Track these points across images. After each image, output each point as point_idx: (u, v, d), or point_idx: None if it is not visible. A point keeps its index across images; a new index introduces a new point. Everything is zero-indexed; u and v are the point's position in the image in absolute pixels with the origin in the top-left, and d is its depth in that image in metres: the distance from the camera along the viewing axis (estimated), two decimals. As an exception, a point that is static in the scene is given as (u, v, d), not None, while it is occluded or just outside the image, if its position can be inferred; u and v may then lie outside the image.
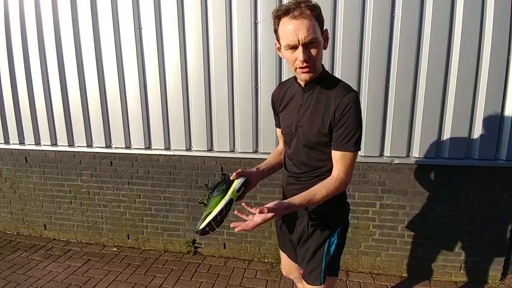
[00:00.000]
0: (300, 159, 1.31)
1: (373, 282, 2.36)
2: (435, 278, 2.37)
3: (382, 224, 2.39)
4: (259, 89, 2.37)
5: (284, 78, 2.31)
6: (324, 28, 1.17)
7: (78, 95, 2.69)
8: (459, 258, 2.33)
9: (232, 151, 2.51)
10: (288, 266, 1.62)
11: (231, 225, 1.10)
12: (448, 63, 2.11)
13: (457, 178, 2.23)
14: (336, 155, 1.20)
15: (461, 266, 2.34)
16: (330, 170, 1.23)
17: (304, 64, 1.13)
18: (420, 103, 2.19)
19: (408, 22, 2.09)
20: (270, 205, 1.07)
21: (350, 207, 1.47)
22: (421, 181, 2.28)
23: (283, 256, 1.62)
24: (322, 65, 1.25)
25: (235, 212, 1.16)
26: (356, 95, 1.17)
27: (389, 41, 2.14)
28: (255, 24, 2.29)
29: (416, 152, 2.26)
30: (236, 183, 1.27)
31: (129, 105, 2.62)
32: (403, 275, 2.42)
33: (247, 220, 1.10)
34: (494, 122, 2.14)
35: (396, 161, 2.28)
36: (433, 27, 2.07)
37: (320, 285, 1.30)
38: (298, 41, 1.10)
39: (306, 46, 1.11)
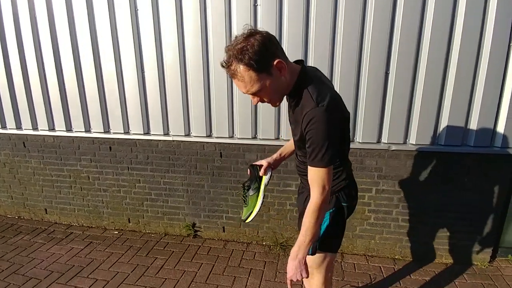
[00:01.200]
0: (296, 150, 1.46)
1: (367, 263, 2.46)
2: (426, 260, 2.47)
3: (377, 209, 2.45)
4: (258, 75, 2.35)
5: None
6: (274, 60, 1.11)
7: (74, 79, 2.65)
8: (451, 241, 2.42)
9: (231, 137, 2.52)
10: None
11: None
12: (448, 51, 2.10)
13: (453, 164, 2.27)
14: (309, 172, 1.22)
15: (452, 249, 2.43)
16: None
17: (262, 103, 1.23)
18: (419, 90, 2.20)
19: (410, 8, 2.06)
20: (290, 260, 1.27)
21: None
22: (417, 168, 2.33)
23: None
24: (302, 65, 1.25)
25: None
26: (320, 110, 1.12)
27: (391, 26, 2.11)
28: (255, 6, 2.24)
29: (413, 139, 2.29)
30: (265, 179, 1.50)
31: (127, 90, 2.60)
32: (396, 257, 2.51)
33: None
34: (491, 110, 2.16)
35: (393, 147, 2.31)
36: (435, 15, 2.04)
37: (309, 255, 1.35)
38: (243, 92, 1.18)
39: (253, 94, 1.18)
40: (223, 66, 1.15)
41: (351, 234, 2.53)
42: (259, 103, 1.24)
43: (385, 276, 2.31)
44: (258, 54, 1.08)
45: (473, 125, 2.21)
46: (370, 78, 2.21)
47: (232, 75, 1.14)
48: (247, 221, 1.47)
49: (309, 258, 1.39)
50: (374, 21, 2.11)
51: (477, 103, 2.17)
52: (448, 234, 2.41)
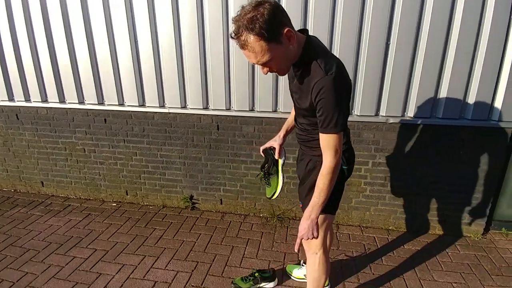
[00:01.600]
0: (299, 119, 1.47)
1: (361, 234, 2.52)
2: (419, 231, 2.53)
3: (373, 181, 2.48)
4: (256, 45, 2.29)
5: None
6: (284, 29, 1.11)
7: (66, 49, 2.56)
8: (444, 213, 2.47)
9: (228, 109, 2.49)
10: None
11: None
12: (450, 24, 2.05)
13: (449, 137, 2.27)
14: (322, 138, 1.27)
15: (445, 220, 2.49)
16: (313, 129, 1.38)
17: (271, 73, 1.23)
18: (420, 62, 2.16)
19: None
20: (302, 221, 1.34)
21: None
22: (414, 140, 2.33)
23: None
24: (307, 36, 1.25)
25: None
26: (329, 79, 1.16)
27: (393, -6, 2.04)
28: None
29: (412, 112, 2.27)
30: (281, 161, 1.63)
31: (120, 61, 2.52)
32: (390, 228, 2.57)
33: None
34: (490, 84, 2.14)
35: (391, 120, 2.30)
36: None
37: None
38: (253, 63, 1.18)
39: (263, 64, 1.18)
40: (232, 37, 1.14)
41: (346, 206, 2.57)
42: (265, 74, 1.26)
43: (378, 246, 2.37)
44: (268, 23, 1.07)
45: (472, 98, 2.20)
46: (370, 49, 2.16)
47: (242, 46, 1.13)
48: (272, 198, 1.65)
49: None
50: (377, -12, 2.04)
51: (476, 76, 2.14)
52: (442, 206, 2.45)
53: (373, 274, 2.09)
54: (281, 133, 1.67)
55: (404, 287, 1.98)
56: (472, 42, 2.07)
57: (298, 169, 1.60)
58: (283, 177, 1.62)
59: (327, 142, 1.25)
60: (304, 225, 1.31)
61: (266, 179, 1.66)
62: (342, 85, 1.20)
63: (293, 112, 1.66)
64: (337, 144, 1.24)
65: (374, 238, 2.47)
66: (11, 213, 2.85)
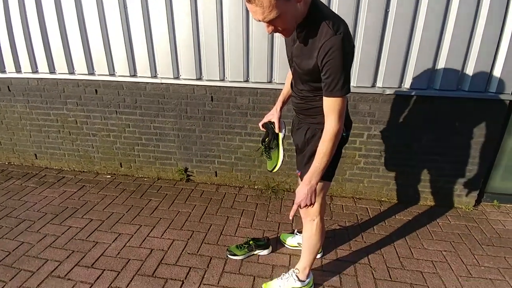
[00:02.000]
0: (298, 86, 1.42)
1: (354, 205, 2.55)
2: (411, 202, 2.57)
3: (368, 154, 2.48)
4: (250, 13, 2.19)
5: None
6: None
7: (55, 16, 2.44)
8: (437, 185, 2.50)
9: (222, 80, 2.42)
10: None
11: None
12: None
13: (446, 109, 2.25)
14: (326, 102, 1.23)
15: (437, 192, 2.52)
16: (313, 95, 1.35)
17: (274, 33, 1.21)
18: (419, 32, 2.09)
19: None
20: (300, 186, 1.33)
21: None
22: (410, 112, 2.31)
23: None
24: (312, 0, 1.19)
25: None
26: (338, 38, 1.12)
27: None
28: None
29: (409, 83, 2.23)
30: (281, 135, 1.64)
31: (109, 29, 2.42)
32: (382, 199, 2.61)
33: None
34: (489, 55, 2.09)
35: (388, 91, 2.26)
36: None
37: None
38: (259, 20, 1.11)
39: (269, 22, 1.11)
40: None
41: (340, 178, 2.58)
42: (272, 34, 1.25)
43: (371, 216, 2.41)
44: None
45: (470, 69, 2.15)
46: (369, 17, 2.08)
47: (248, 0, 1.07)
48: (273, 171, 1.67)
49: None
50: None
51: (475, 47, 2.09)
52: (435, 177, 2.47)
53: (365, 242, 2.14)
54: (278, 106, 1.64)
55: (395, 254, 2.04)
56: (472, 12, 2.00)
57: (296, 138, 1.57)
58: (283, 150, 1.64)
59: (332, 106, 1.21)
60: (304, 190, 1.30)
61: (267, 153, 1.67)
62: (349, 46, 1.17)
63: (287, 83, 1.63)
64: (342, 108, 1.21)
65: (367, 209, 2.50)
66: (5, 185, 2.84)
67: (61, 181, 2.89)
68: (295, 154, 1.68)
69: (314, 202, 1.33)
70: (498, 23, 2.01)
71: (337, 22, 1.16)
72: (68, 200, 2.60)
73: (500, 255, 2.05)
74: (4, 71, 2.78)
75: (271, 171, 1.67)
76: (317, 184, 1.30)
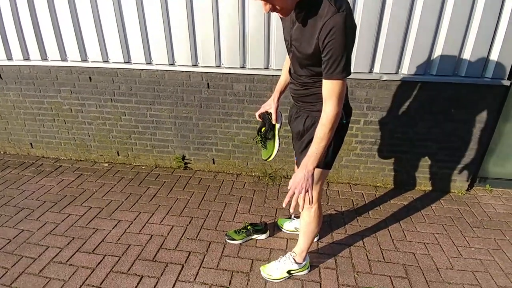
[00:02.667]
0: (297, 71, 1.37)
1: (350, 190, 2.59)
2: (406, 187, 2.62)
3: (364, 140, 2.50)
4: (246, -4, 2.16)
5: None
6: None
7: (45, 2, 2.38)
8: (431, 170, 2.54)
9: (218, 66, 2.40)
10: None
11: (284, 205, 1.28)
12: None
13: (442, 95, 2.27)
14: (326, 85, 1.19)
15: (431, 177, 2.57)
16: (313, 81, 1.32)
17: (273, 12, 1.14)
18: (416, 17, 2.08)
19: None
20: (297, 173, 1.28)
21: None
22: (407, 98, 2.32)
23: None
24: None
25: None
26: (341, 16, 1.07)
27: None
28: None
29: (406, 69, 2.23)
30: (278, 126, 1.66)
31: (102, 15, 2.37)
32: (378, 185, 2.65)
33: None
34: (486, 40, 2.09)
35: (385, 77, 2.26)
36: None
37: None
38: None
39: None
40: None
41: (337, 164, 2.61)
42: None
43: (366, 202, 2.46)
44: None
45: (467, 55, 2.16)
46: (367, 2, 2.05)
47: None
48: (268, 160, 1.72)
49: None
50: None
51: (473, 33, 2.09)
52: (429, 163, 2.51)
53: (360, 226, 2.19)
54: (275, 96, 1.62)
55: (389, 237, 2.09)
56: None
57: (294, 126, 1.53)
58: (279, 140, 1.67)
59: (331, 88, 1.17)
60: (300, 175, 1.26)
61: (262, 142, 1.69)
62: (352, 25, 1.11)
63: (285, 70, 1.60)
64: (342, 91, 1.17)
65: (362, 194, 2.55)
66: (2, 174, 2.83)
67: (58, 170, 2.89)
68: (291, 141, 1.70)
69: (311, 189, 1.30)
70: (496, 9, 2.00)
71: (337, 5, 1.10)
72: (66, 189, 2.61)
73: (490, 237, 2.12)
74: (-5, 59, 2.73)
75: (266, 160, 1.72)
76: (314, 169, 1.26)
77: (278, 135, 1.67)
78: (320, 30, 1.11)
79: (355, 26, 1.16)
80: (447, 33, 2.09)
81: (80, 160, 3.05)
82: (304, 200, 1.26)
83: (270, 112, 1.64)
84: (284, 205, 1.26)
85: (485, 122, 2.33)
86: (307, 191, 1.26)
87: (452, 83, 2.22)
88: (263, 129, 1.68)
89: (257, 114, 1.69)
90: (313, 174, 1.27)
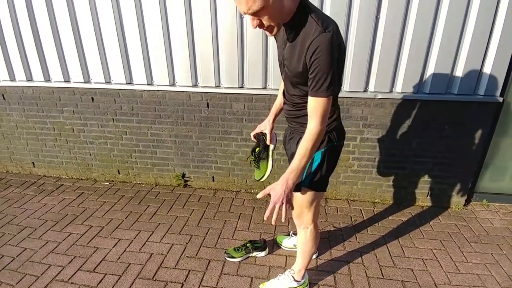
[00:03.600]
0: (289, 91, 1.42)
1: (348, 207, 2.62)
2: (403, 203, 2.65)
3: (361, 157, 2.54)
4: (244, 18, 2.25)
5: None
6: None
7: (48, 25, 2.47)
8: (428, 186, 2.57)
9: (218, 86, 2.48)
10: None
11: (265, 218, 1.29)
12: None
13: (436, 112, 2.32)
14: (311, 101, 1.22)
15: (428, 192, 2.60)
16: (305, 102, 1.32)
17: (262, 29, 1.17)
18: (408, 37, 2.16)
19: None
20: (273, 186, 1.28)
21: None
22: (401, 116, 2.38)
23: None
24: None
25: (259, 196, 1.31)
26: (329, 36, 1.11)
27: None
28: None
29: (399, 87, 2.30)
30: (272, 147, 1.70)
31: (105, 38, 2.46)
32: (376, 201, 2.68)
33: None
34: (477, 59, 2.17)
35: (379, 96, 2.33)
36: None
37: (298, 191, 1.47)
38: (243, 12, 1.11)
39: (254, 14, 1.11)
40: None
41: (335, 181, 2.65)
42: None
43: (364, 218, 2.48)
44: None
45: (459, 73, 2.23)
46: (360, 23, 2.15)
47: None
48: (260, 181, 1.73)
49: (301, 198, 1.49)
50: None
51: (464, 51, 2.16)
52: (426, 179, 2.55)
53: (358, 242, 2.21)
54: (271, 118, 1.67)
55: (387, 253, 2.11)
56: (460, 18, 2.07)
57: (289, 148, 1.57)
58: (272, 161, 1.69)
59: (315, 106, 1.20)
60: (279, 190, 1.24)
61: (256, 162, 1.72)
62: (338, 45, 1.15)
63: (280, 93, 1.64)
64: (326, 109, 1.20)
65: (361, 210, 2.57)
66: (4, 194, 2.86)
67: (59, 189, 2.92)
68: (285, 164, 1.73)
69: (290, 206, 1.29)
70: (486, 28, 2.08)
71: (327, 20, 1.15)
72: (67, 207, 2.63)
73: (488, 252, 2.13)
74: (-2, 80, 2.81)
75: (258, 180, 1.73)
76: (294, 184, 1.26)
77: (272, 156, 1.69)
78: (307, 49, 1.15)
79: (343, 46, 1.20)
80: (439, 52, 2.16)
81: (81, 179, 3.08)
82: (285, 213, 1.26)
83: (265, 133, 1.69)
84: (265, 218, 1.28)
85: (479, 138, 2.38)
86: (287, 204, 1.26)
87: (445, 101, 2.29)
88: (257, 149, 1.71)
89: (252, 134, 1.72)
90: (291, 190, 1.27)
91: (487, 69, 2.20)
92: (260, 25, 1.17)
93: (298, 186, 1.44)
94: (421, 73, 2.25)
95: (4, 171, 3.27)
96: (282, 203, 1.25)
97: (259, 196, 1.28)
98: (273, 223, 1.22)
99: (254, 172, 1.79)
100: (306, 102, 1.32)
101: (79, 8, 2.39)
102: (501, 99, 2.25)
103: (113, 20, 2.37)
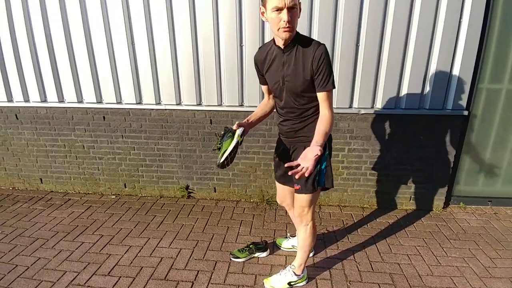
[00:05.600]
0: (291, 105, 1.68)
1: (340, 212, 2.86)
2: (389, 207, 2.91)
3: (349, 165, 2.83)
4: (243, 47, 2.58)
5: (266, 37, 2.53)
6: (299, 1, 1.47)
7: (65, 51, 2.75)
8: (410, 191, 2.86)
9: (220, 105, 2.76)
10: (282, 195, 2.06)
11: (290, 173, 1.42)
12: (408, 29, 2.43)
13: (411, 125, 2.66)
14: (321, 96, 1.57)
15: (410, 197, 2.88)
16: (312, 108, 1.65)
17: (287, 25, 1.44)
18: (384, 62, 2.53)
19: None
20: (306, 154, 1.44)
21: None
22: (382, 128, 2.70)
23: (279, 187, 2.04)
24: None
25: (286, 165, 1.47)
26: (325, 47, 1.52)
27: (360, 5, 2.39)
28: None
29: (379, 104, 2.64)
30: (238, 131, 1.64)
31: (118, 62, 2.74)
32: (364, 206, 2.94)
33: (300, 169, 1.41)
34: (444, 78, 2.54)
35: (363, 111, 2.65)
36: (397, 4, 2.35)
37: (312, 192, 1.73)
38: (285, 4, 1.40)
39: (289, 10, 1.41)
40: None
41: (327, 188, 2.91)
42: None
43: (355, 221, 2.73)
44: None
45: (428, 92, 2.59)
46: (343, 50, 2.50)
47: None
48: (220, 161, 1.54)
49: (304, 199, 1.74)
50: (345, 4, 2.39)
51: (431, 74, 2.54)
52: (408, 184, 2.84)
53: (350, 242, 2.44)
54: (251, 119, 1.80)
55: (376, 251, 2.34)
56: (426, 48, 2.46)
57: (295, 159, 1.69)
58: (236, 143, 1.57)
59: (327, 97, 1.56)
60: (316, 150, 1.39)
61: (219, 143, 1.62)
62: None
63: (260, 107, 1.86)
64: (331, 100, 1.58)
65: (351, 214, 2.82)
66: (13, 208, 2.99)
67: (67, 203, 3.07)
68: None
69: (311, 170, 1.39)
70: (449, 55, 2.47)
71: (318, 41, 1.55)
72: (77, 220, 2.78)
73: (465, 247, 2.39)
74: (11, 100, 3.01)
75: (218, 164, 1.55)
76: (321, 152, 1.40)
77: (237, 139, 1.58)
78: (313, 57, 1.51)
79: None
80: (411, 74, 2.53)
81: (88, 193, 3.24)
82: (302, 174, 1.40)
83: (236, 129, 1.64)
84: (289, 173, 1.41)
85: (451, 147, 2.71)
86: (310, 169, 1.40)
87: (418, 115, 2.63)
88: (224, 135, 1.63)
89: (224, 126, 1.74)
90: (318, 157, 1.40)
91: (452, 88, 2.57)
92: (291, 20, 1.43)
93: (314, 187, 1.70)
94: (397, 92, 2.60)
95: (11, 188, 3.39)
96: (307, 168, 1.38)
97: (289, 173, 1.41)
98: (297, 176, 1.41)
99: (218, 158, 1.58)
100: (310, 109, 1.64)
101: (95, 34, 2.68)
102: (466, 113, 2.60)
103: (126, 48, 2.67)
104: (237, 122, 1.71)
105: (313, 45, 1.52)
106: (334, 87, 1.56)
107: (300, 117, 1.69)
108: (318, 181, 1.72)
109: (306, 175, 1.39)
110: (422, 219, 2.76)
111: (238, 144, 1.60)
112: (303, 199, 1.76)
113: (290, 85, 1.62)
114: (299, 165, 1.41)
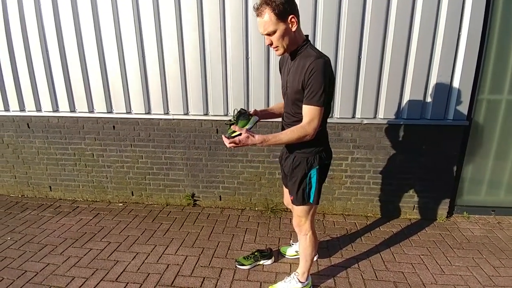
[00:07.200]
0: (288, 110, 1.75)
1: (344, 220, 2.89)
2: (392, 216, 2.94)
3: (353, 174, 2.87)
4: (249, 59, 2.67)
5: (271, 50, 2.62)
6: (290, 15, 1.49)
7: (78, 62, 2.86)
8: (413, 200, 2.89)
9: (226, 115, 2.84)
10: (287, 198, 2.11)
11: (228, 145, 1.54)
12: (409, 40, 2.51)
13: (413, 134, 2.71)
14: (304, 108, 1.56)
15: (414, 206, 2.91)
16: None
17: (271, 47, 1.57)
18: (386, 73, 2.60)
19: (377, 9, 2.44)
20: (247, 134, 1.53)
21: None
22: (385, 138, 2.76)
23: (284, 190, 2.09)
24: (307, 38, 1.62)
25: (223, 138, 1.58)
26: (323, 61, 1.47)
27: (362, 19, 2.49)
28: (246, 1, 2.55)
29: (382, 114, 2.70)
30: (254, 118, 1.75)
31: (128, 73, 2.84)
32: (368, 215, 2.96)
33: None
34: (444, 89, 2.60)
35: (365, 121, 2.71)
36: (398, 14, 2.44)
37: (305, 205, 1.77)
38: (262, 31, 1.53)
39: (268, 35, 1.52)
40: (254, 8, 1.51)
41: (331, 197, 2.95)
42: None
43: (359, 229, 2.75)
44: (283, 5, 1.45)
45: (430, 102, 2.65)
46: (346, 62, 2.59)
47: (258, 14, 1.49)
48: (231, 135, 1.59)
49: (300, 210, 1.80)
50: (347, 17, 2.48)
51: (432, 84, 2.60)
52: (411, 193, 2.87)
53: (354, 251, 2.46)
54: (265, 108, 1.93)
55: (380, 259, 2.36)
56: (427, 54, 2.53)
57: (285, 166, 1.83)
58: (252, 125, 1.69)
59: (307, 111, 1.53)
60: (254, 141, 1.50)
61: (236, 118, 1.68)
62: (328, 72, 1.48)
63: (277, 104, 1.98)
64: (318, 117, 1.51)
65: (355, 223, 2.85)
66: (22, 216, 3.05)
67: (76, 210, 3.13)
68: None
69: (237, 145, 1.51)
70: (449, 66, 2.53)
71: (322, 54, 1.54)
72: (85, 227, 2.83)
73: (469, 256, 2.40)
74: (23, 110, 3.12)
75: (229, 135, 1.59)
76: (252, 144, 1.51)
77: (251, 124, 1.70)
78: (306, 70, 1.50)
79: (332, 77, 1.54)
80: (412, 85, 2.59)
81: (96, 201, 3.30)
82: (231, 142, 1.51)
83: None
84: (228, 146, 1.53)
85: (453, 156, 2.75)
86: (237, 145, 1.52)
87: (420, 125, 2.68)
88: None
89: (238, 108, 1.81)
90: (254, 145, 1.53)
91: (453, 99, 2.63)
92: (270, 44, 1.55)
93: (304, 199, 1.76)
94: (399, 102, 2.67)
95: (20, 195, 3.46)
96: (241, 145, 1.53)
97: (228, 143, 1.51)
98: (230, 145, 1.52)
99: (228, 131, 1.64)
100: (301, 120, 1.63)
101: (107, 46, 2.79)
102: (467, 123, 2.66)
103: (136, 61, 2.78)
104: (254, 109, 1.82)
105: (312, 58, 1.50)
106: (319, 105, 1.50)
107: (291, 125, 1.66)
108: (308, 194, 1.75)
109: (228, 146, 1.52)
110: (426, 228, 2.78)
111: (251, 127, 1.70)
112: (298, 209, 1.81)
113: (289, 91, 1.66)
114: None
